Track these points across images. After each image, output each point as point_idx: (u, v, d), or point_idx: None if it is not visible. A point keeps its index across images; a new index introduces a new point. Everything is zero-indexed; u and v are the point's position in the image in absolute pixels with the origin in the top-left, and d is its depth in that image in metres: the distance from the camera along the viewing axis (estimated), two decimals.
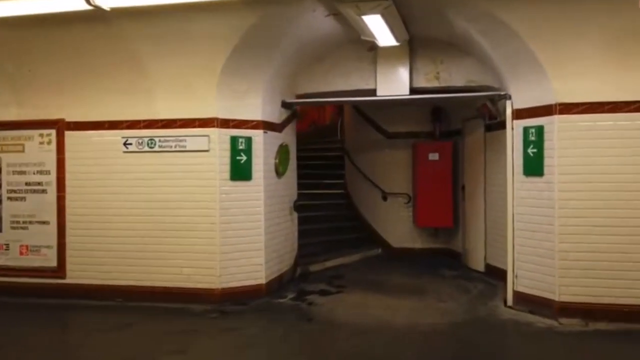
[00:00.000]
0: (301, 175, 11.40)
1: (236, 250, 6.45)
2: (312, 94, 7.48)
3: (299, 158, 12.52)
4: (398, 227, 9.58)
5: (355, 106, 10.25)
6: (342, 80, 7.35)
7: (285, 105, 7.29)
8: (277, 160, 7.01)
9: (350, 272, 8.26)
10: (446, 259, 9.11)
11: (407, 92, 7.03)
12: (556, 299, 5.57)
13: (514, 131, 6.12)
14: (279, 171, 7.06)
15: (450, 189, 8.89)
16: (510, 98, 6.20)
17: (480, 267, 7.97)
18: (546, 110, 5.69)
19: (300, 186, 10.78)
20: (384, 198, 9.61)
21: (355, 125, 10.44)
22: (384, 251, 9.64)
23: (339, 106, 11.98)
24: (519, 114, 6.06)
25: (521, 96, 6.03)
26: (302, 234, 8.86)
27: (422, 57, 7.10)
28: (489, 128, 7.66)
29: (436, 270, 8.27)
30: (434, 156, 8.94)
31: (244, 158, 6.48)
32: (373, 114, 9.86)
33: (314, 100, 7.42)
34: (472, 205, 8.31)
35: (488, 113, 7.47)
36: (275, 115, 7.06)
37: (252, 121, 6.56)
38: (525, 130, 5.92)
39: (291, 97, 7.43)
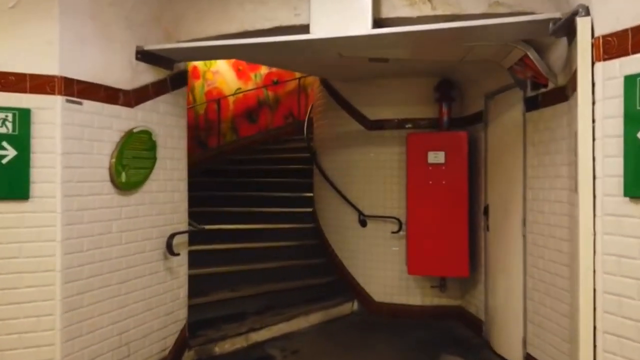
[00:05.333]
0: (259, 186, 8.18)
1: None
2: (205, 39, 4.03)
3: (263, 162, 9.35)
4: (383, 270, 6.03)
5: (325, 82, 6.78)
6: (253, 11, 3.92)
7: (145, 56, 3.89)
8: (114, 160, 3.60)
9: (288, 356, 4.78)
10: (458, 326, 5.55)
11: (369, 26, 3.53)
12: None
13: (597, 91, 2.56)
14: (120, 181, 3.65)
15: (465, 213, 5.30)
16: (587, 13, 2.64)
17: (515, 357, 4.38)
18: None
19: (255, 202, 7.54)
20: (362, 223, 6.09)
21: (325, 113, 6.95)
22: (361, 307, 6.12)
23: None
24: (610, 46, 2.49)
25: (616, 6, 2.48)
26: (224, 281, 5.57)
27: None
28: (532, 104, 4.09)
29: (438, 355, 4.73)
30: (437, 157, 5.38)
31: (10, 154, 3.10)
32: (348, 93, 6.37)
33: (195, 44, 3.92)
34: (501, 241, 4.73)
35: (531, 75, 3.95)
36: (117, 72, 3.69)
37: (36, 77, 3.18)
38: (631, 82, 2.35)
39: (166, 42, 4.03)
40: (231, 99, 9.54)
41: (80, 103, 3.35)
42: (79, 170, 3.36)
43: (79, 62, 3.36)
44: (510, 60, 4.14)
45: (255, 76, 9.96)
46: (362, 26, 3.52)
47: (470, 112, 5.53)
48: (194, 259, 5.11)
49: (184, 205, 4.42)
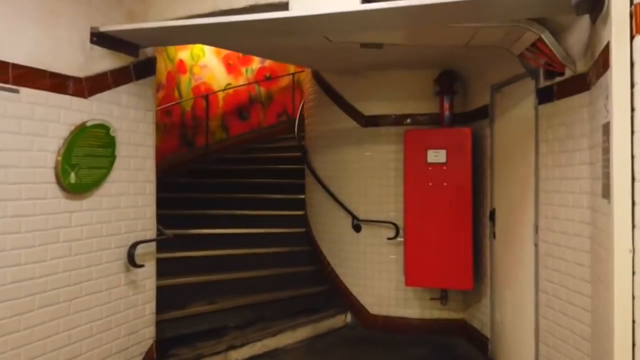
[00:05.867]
0: (248, 187, 7.65)
1: None
2: (174, 20, 3.53)
3: (254, 162, 8.80)
4: (379, 280, 5.52)
5: (317, 75, 6.26)
6: None
7: (102, 39, 3.39)
8: (60, 158, 3.10)
9: None
10: (461, 342, 5.05)
11: (357, 0, 3.02)
12: None
13: (637, 71, 2.05)
14: (69, 182, 3.15)
15: (468, 218, 4.79)
16: None
17: None
18: None
19: (242, 204, 7.03)
20: (357, 228, 5.58)
21: (316, 108, 6.43)
22: (355, 320, 5.61)
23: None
24: None
25: None
26: (203, 292, 5.09)
27: None
28: (545, 95, 3.58)
29: None
30: (437, 155, 4.87)
31: None
32: (341, 86, 5.86)
33: (157, 24, 3.41)
34: (509, 251, 4.23)
35: (545, 62, 3.45)
36: (66, 56, 3.19)
37: None
38: None
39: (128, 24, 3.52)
40: (221, 95, 9.03)
41: (16, 91, 2.85)
42: (15, 170, 2.86)
43: (15, 43, 2.86)
44: (520, 46, 3.64)
45: (247, 71, 9.45)
46: (350, 1, 3.01)
47: (474, 106, 5.02)
48: (169, 268, 4.65)
49: (151, 210, 3.91)
